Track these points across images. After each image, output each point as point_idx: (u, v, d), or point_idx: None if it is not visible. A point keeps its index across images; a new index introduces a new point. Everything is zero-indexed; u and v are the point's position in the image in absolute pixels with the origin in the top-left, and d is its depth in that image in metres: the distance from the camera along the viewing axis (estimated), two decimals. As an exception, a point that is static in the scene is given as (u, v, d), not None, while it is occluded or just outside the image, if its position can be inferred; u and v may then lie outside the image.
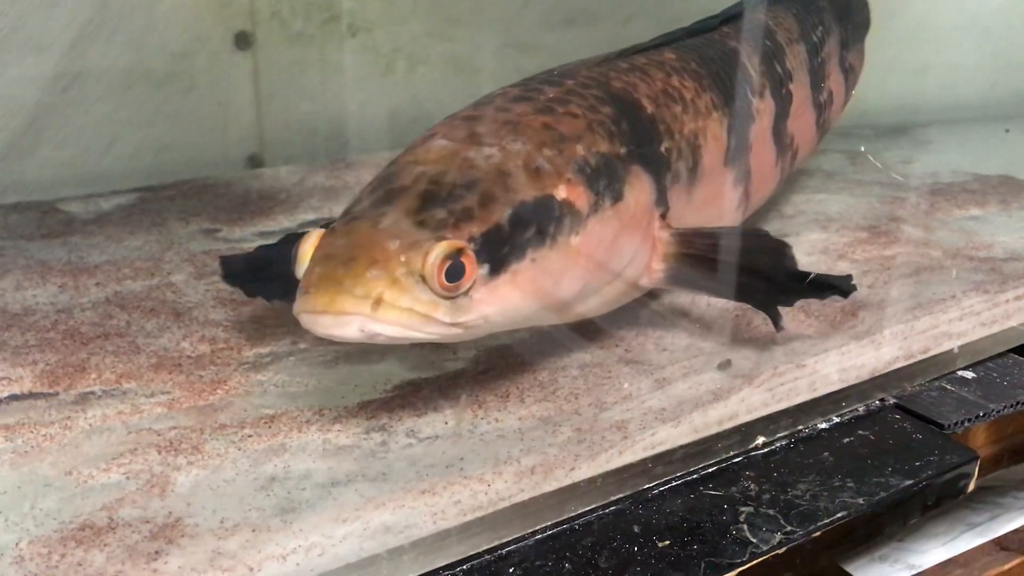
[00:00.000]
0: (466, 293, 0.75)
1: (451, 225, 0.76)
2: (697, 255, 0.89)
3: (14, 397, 0.87)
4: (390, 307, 0.73)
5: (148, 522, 0.69)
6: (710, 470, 0.79)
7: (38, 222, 1.25)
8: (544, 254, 0.79)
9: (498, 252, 0.77)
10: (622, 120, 0.90)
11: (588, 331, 0.93)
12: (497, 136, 0.83)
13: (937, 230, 1.20)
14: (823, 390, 0.85)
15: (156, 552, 0.66)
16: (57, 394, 0.87)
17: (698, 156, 0.97)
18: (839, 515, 0.73)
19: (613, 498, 0.75)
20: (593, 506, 0.74)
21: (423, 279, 0.73)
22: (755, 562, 0.68)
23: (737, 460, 0.81)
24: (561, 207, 0.80)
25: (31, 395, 0.87)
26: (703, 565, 0.68)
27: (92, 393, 0.87)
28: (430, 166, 0.81)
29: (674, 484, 0.77)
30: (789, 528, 0.71)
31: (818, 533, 0.71)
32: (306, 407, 0.84)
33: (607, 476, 0.75)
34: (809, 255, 1.09)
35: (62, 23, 1.32)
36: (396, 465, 0.75)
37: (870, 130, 1.64)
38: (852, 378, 0.87)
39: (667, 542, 0.70)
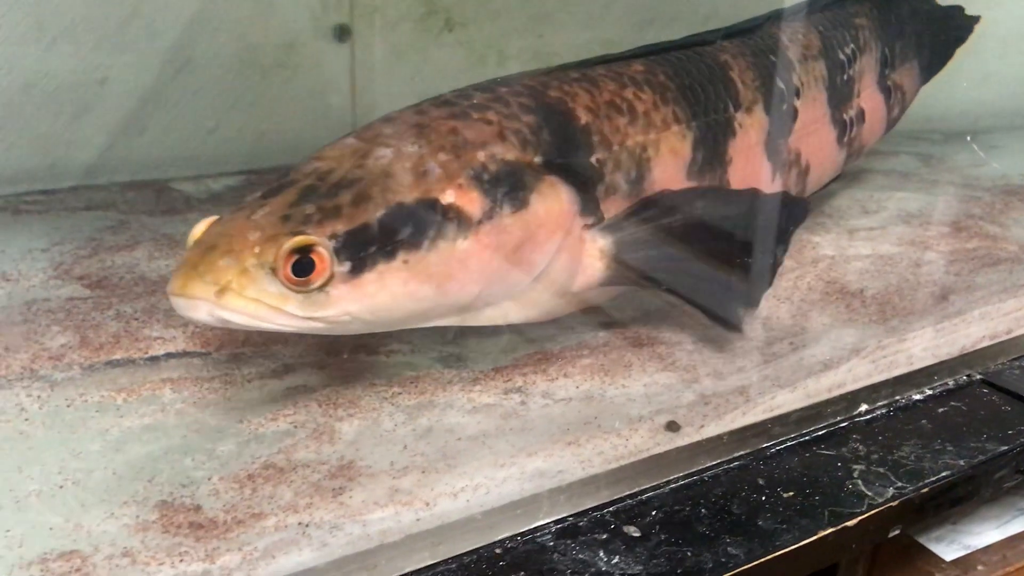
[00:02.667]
0: (321, 289, 0.78)
1: (315, 221, 0.78)
2: (637, 256, 0.91)
3: (170, 355, 0.96)
4: (235, 296, 0.76)
5: (324, 463, 0.79)
6: (820, 432, 0.88)
7: (155, 199, 1.35)
8: (420, 256, 0.81)
9: (363, 251, 0.79)
10: (544, 129, 0.90)
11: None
12: (399, 138, 0.86)
13: (1012, 227, 1.28)
14: (919, 364, 0.94)
15: (340, 488, 0.75)
16: (210, 353, 0.96)
17: (645, 168, 0.97)
18: (944, 474, 0.82)
19: (737, 454, 0.84)
20: (719, 460, 0.83)
21: (273, 272, 0.77)
22: (872, 512, 0.77)
23: (843, 424, 0.89)
24: (445, 211, 0.82)
25: (186, 353, 0.96)
26: (826, 513, 0.77)
27: (243, 353, 0.96)
28: (325, 162, 0.84)
29: (790, 444, 0.86)
30: (900, 484, 0.80)
31: (926, 489, 0.80)
32: (444, 370, 0.93)
33: (731, 434, 0.84)
34: (898, 246, 1.19)
35: (175, 12, 1.42)
36: (538, 422, 0.84)
37: (939, 135, 1.74)
38: (944, 354, 0.96)
39: (791, 493, 0.79)
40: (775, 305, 1.02)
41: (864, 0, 1.36)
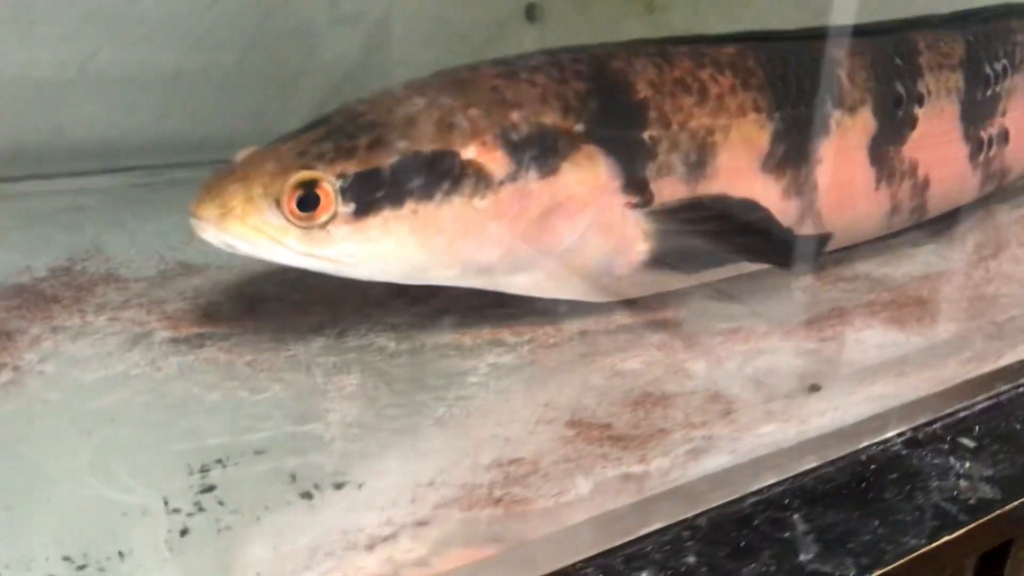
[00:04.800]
0: (323, 226, 0.84)
1: (328, 159, 0.84)
2: (684, 229, 0.95)
3: (488, 305, 1.09)
4: (237, 222, 0.84)
5: (694, 393, 0.96)
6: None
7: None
8: (431, 208, 0.85)
9: (370, 195, 0.83)
10: (592, 98, 0.92)
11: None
12: (440, 90, 0.90)
13: None
14: None
15: (724, 410, 0.93)
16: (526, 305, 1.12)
17: (708, 153, 0.98)
18: None
19: (1022, 380, 1.05)
20: (1010, 386, 1.03)
21: (278, 203, 0.83)
22: None
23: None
24: (464, 166, 0.85)
25: (502, 304, 1.07)
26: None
27: (554, 311, 1.10)
28: (365, 105, 0.90)
29: (1059, 373, 1.07)
30: None
31: None
32: (755, 325, 1.09)
33: (1020, 363, 1.05)
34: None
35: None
36: (860, 360, 1.04)
37: None
38: None
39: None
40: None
41: None
